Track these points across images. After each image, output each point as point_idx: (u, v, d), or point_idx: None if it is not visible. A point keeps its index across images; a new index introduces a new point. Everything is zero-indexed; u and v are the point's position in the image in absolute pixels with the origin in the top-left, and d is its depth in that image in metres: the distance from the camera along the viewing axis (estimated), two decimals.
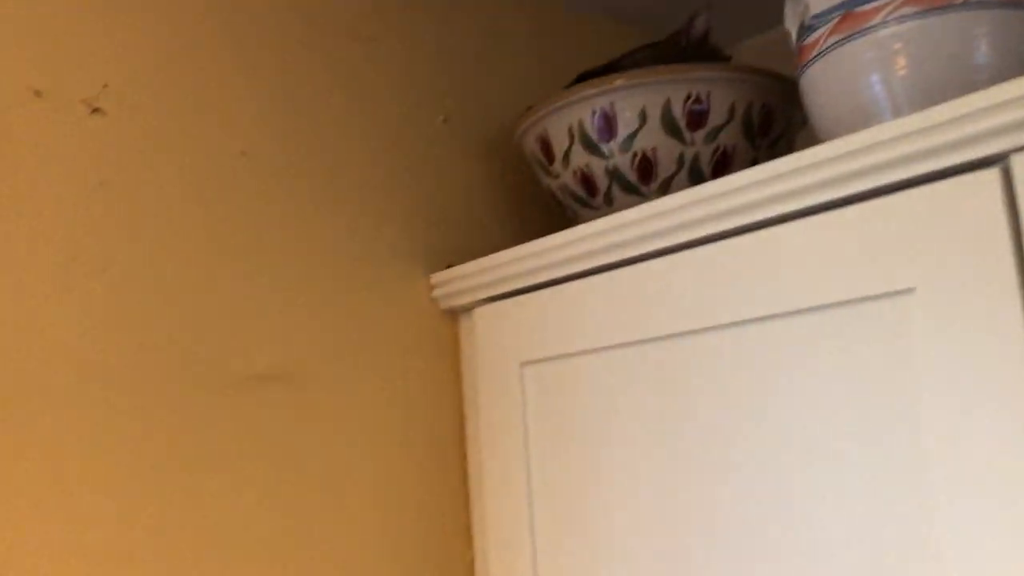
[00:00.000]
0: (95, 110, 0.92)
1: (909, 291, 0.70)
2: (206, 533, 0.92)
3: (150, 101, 0.96)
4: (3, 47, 0.88)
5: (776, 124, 1.02)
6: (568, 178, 1.06)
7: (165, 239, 0.94)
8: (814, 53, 0.82)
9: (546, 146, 1.06)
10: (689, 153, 1.00)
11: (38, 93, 0.89)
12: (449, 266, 1.12)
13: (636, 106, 0.99)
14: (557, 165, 1.06)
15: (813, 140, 0.83)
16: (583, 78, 1.07)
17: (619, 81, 0.99)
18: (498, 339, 1.05)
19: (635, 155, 1.00)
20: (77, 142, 0.91)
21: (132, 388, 0.90)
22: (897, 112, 0.77)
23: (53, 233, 0.88)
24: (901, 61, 0.76)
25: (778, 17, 0.92)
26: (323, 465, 1.01)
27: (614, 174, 1.02)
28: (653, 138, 0.99)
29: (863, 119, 0.79)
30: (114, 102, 0.93)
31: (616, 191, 1.03)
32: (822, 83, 0.83)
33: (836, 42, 0.80)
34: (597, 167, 1.02)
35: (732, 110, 0.99)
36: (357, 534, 1.01)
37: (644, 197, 1.02)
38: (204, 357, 0.94)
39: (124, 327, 0.90)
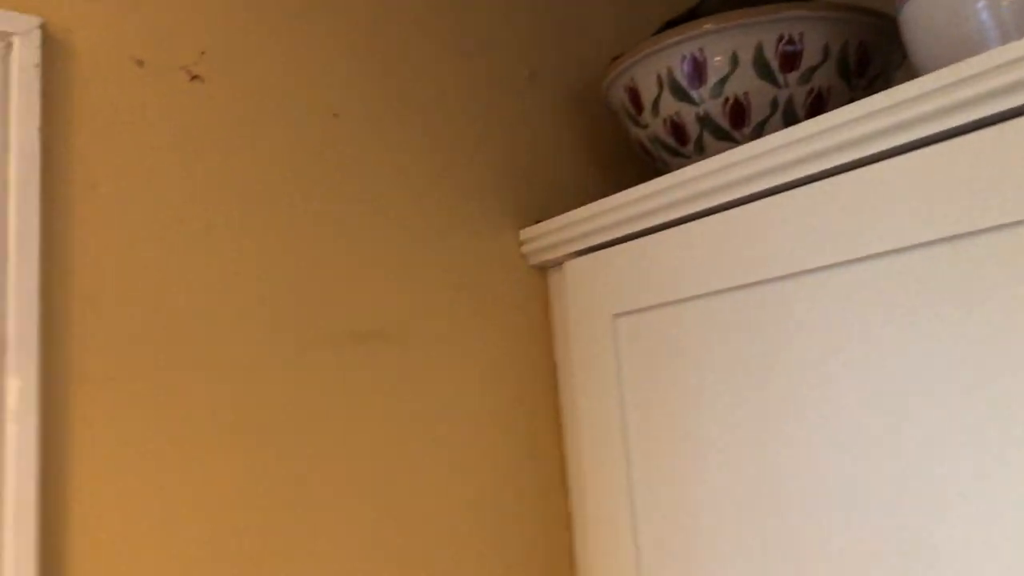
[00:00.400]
0: (194, 77, 0.95)
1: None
2: (310, 485, 0.94)
3: (245, 66, 0.98)
4: (107, 20, 0.91)
5: (873, 63, 1.00)
6: (658, 127, 1.05)
7: (263, 201, 0.97)
8: None
9: (634, 96, 1.05)
10: (783, 96, 0.98)
11: (140, 62, 0.92)
12: (538, 221, 1.13)
13: (726, 50, 0.98)
14: (646, 115, 1.05)
15: (912, 79, 0.80)
16: (670, 25, 1.05)
17: (708, 25, 0.97)
18: (590, 292, 1.06)
19: (727, 100, 0.99)
20: (178, 108, 0.93)
21: (236, 347, 0.93)
22: (1006, 39, 0.74)
23: (158, 197, 0.91)
24: None
25: None
26: (420, 418, 1.02)
27: (705, 121, 1.00)
28: (745, 82, 0.98)
29: (969, 50, 0.76)
30: (211, 68, 0.96)
31: (708, 138, 1.01)
32: (924, 15, 0.80)
33: None
34: (687, 114, 1.01)
35: (827, 50, 0.97)
36: (455, 486, 1.03)
37: (736, 143, 1.00)
38: (305, 316, 0.97)
39: (228, 287, 0.93)
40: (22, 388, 0.79)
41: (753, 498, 0.88)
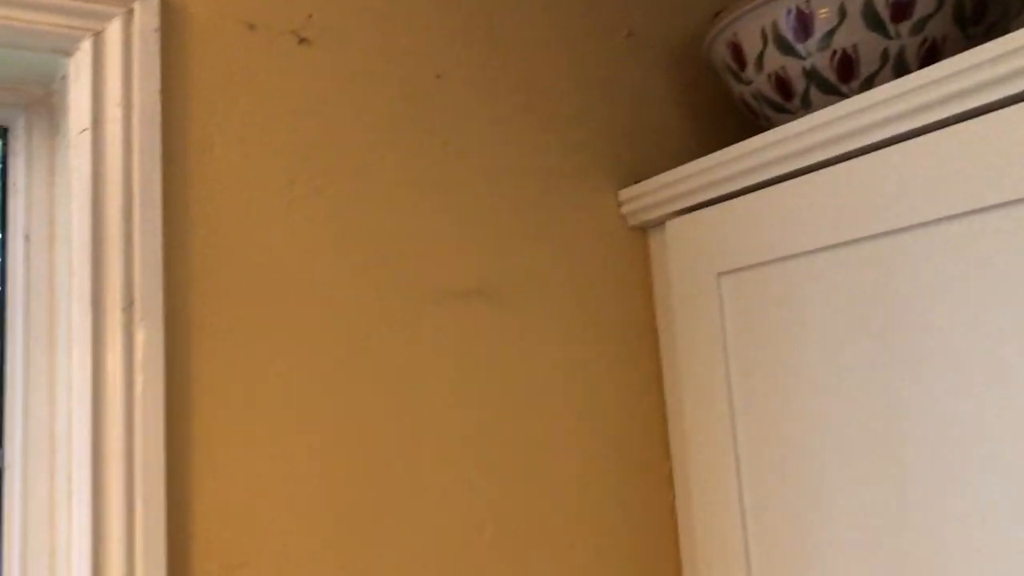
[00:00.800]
0: (302, 40, 0.97)
1: None
2: (416, 436, 0.96)
3: (350, 29, 1.00)
4: None
5: (991, 10, 0.96)
6: (762, 83, 1.03)
7: (371, 161, 0.99)
8: None
9: (737, 52, 1.04)
10: (894, 47, 0.95)
11: (251, 26, 0.95)
12: (637, 181, 1.12)
13: (833, 2, 0.95)
14: (749, 70, 1.03)
15: None
16: None
17: None
18: (693, 251, 1.05)
19: (834, 53, 0.96)
20: (287, 71, 0.96)
21: (346, 303, 0.95)
22: None
23: (274, 158, 0.94)
24: None
25: None
26: (520, 377, 1.04)
27: (812, 75, 0.98)
28: (854, 34, 0.95)
29: None
30: (318, 31, 0.98)
31: (814, 92, 0.99)
32: None
33: None
34: (793, 69, 0.99)
35: None
36: (554, 445, 1.04)
37: (844, 97, 0.98)
38: (411, 272, 0.99)
39: (337, 246, 0.96)
40: (148, 341, 0.83)
41: (865, 460, 0.87)
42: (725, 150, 0.98)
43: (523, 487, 1.01)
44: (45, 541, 0.86)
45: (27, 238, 0.90)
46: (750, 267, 0.98)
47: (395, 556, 0.93)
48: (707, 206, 1.03)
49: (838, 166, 0.89)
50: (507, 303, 1.04)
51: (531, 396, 1.04)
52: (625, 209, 1.12)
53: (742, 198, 0.99)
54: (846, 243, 0.89)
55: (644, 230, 1.13)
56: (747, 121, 1.22)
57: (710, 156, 1.00)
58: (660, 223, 1.10)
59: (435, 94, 1.03)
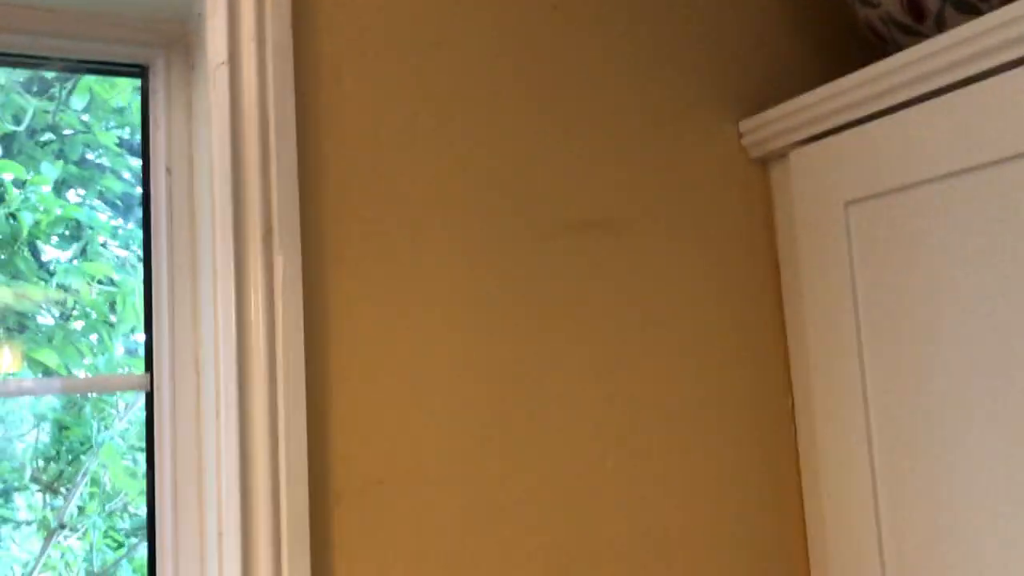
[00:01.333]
0: None
1: None
2: (540, 363, 0.98)
3: None
4: None
5: None
6: (891, 5, 0.99)
7: (492, 93, 0.99)
8: None
9: None
10: None
11: None
12: (758, 111, 1.10)
13: None
14: None
15: None
16: None
17: None
18: (818, 180, 1.03)
19: None
20: (413, 4, 0.97)
21: (472, 233, 0.96)
22: None
23: (400, 90, 0.95)
24: None
25: None
26: (640, 308, 1.04)
27: None
28: None
29: None
30: None
31: (949, 11, 0.95)
32: None
33: None
34: None
35: None
36: (673, 378, 1.04)
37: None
38: (534, 203, 0.99)
39: (462, 177, 0.97)
40: (286, 266, 0.86)
41: (1004, 391, 0.85)
42: (854, 74, 0.96)
43: (644, 419, 1.02)
44: (193, 460, 0.91)
45: (168, 171, 0.94)
46: (880, 195, 0.96)
47: (522, 481, 0.95)
48: (835, 133, 1.01)
49: (973, 86, 0.86)
50: (627, 236, 1.04)
51: (650, 329, 1.04)
52: (746, 140, 1.10)
53: (872, 123, 0.96)
54: (982, 166, 0.86)
55: (766, 162, 1.11)
56: (870, 47, 1.18)
57: (837, 82, 0.98)
58: (783, 154, 1.08)
59: (552, 25, 1.03)
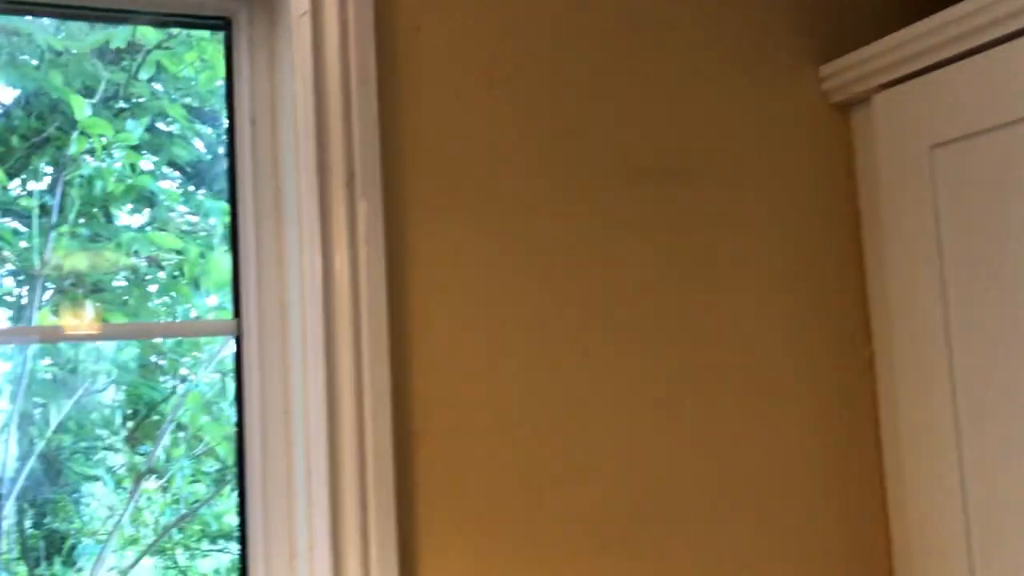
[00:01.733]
0: None
1: None
2: (612, 313, 0.98)
3: None
4: None
5: None
6: None
7: (571, 38, 0.99)
8: None
9: None
10: None
11: None
12: (839, 55, 1.08)
13: None
14: None
15: None
16: None
17: None
18: (903, 124, 1.00)
19: None
20: None
21: (546, 180, 0.97)
22: None
23: (475, 38, 0.95)
24: None
25: None
26: (717, 256, 1.03)
27: None
28: None
29: None
30: None
31: None
32: None
33: None
34: None
35: None
36: (748, 327, 1.03)
37: None
38: (611, 151, 0.99)
39: (539, 123, 0.97)
40: (369, 212, 0.87)
41: None
42: (939, 14, 0.93)
43: (721, 370, 1.02)
44: (280, 401, 0.94)
45: (253, 122, 0.96)
46: (969, 136, 0.93)
47: (598, 432, 0.96)
48: (920, 75, 0.98)
49: None
50: (705, 182, 1.03)
51: (727, 277, 1.03)
52: (827, 85, 1.08)
53: (958, 64, 0.94)
54: None
55: (846, 107, 1.09)
56: None
57: (922, 22, 0.95)
58: (865, 98, 1.06)
59: None
